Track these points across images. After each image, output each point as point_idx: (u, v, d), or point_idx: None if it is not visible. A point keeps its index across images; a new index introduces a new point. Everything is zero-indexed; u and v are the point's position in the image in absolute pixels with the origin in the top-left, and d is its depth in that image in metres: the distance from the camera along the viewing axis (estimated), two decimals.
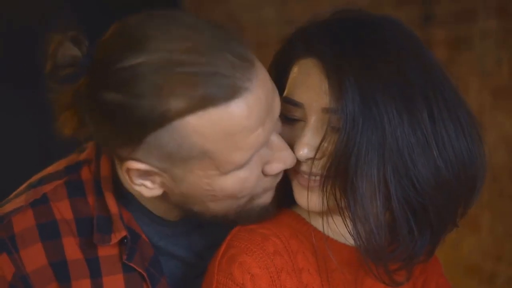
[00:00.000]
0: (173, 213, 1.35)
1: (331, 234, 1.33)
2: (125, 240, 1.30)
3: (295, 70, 1.29)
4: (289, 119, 1.28)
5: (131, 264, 1.30)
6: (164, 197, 1.27)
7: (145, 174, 1.22)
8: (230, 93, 1.16)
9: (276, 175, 1.28)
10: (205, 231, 1.41)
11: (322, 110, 1.24)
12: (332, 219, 1.29)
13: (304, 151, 1.25)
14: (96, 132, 1.23)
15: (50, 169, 1.37)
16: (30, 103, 3.05)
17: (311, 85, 1.25)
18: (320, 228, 1.32)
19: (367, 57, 1.22)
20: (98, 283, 1.29)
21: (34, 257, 1.26)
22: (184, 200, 1.26)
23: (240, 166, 1.21)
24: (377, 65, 1.22)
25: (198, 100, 1.14)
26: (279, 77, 1.32)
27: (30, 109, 3.04)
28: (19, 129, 3.01)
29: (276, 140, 1.26)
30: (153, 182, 1.23)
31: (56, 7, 3.07)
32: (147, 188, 1.24)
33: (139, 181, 1.23)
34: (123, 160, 1.22)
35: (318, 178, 1.26)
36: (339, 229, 1.32)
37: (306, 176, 1.27)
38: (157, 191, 1.25)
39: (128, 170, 1.22)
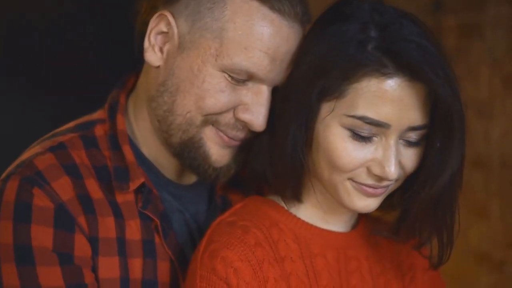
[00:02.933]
0: (168, 163, 1.41)
1: (310, 220, 1.35)
2: (142, 189, 1.35)
3: (377, 87, 1.23)
4: (358, 135, 1.25)
5: (146, 212, 1.35)
6: (152, 114, 1.37)
7: (162, 37, 1.34)
8: (277, 8, 1.29)
9: (235, 127, 1.34)
10: (210, 211, 1.46)
11: (408, 128, 1.25)
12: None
13: (397, 171, 1.26)
14: None
15: (60, 128, 1.42)
16: (32, 101, 3.06)
17: (405, 106, 1.24)
18: (299, 215, 1.35)
19: (449, 67, 1.24)
20: (121, 224, 1.33)
21: (65, 188, 1.30)
22: (164, 82, 1.34)
23: (231, 71, 1.30)
24: (450, 67, 1.26)
25: None
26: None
27: (32, 108, 3.05)
28: (20, 128, 3.02)
29: (266, 93, 1.33)
30: (160, 48, 1.35)
31: (56, 6, 3.08)
32: (152, 51, 1.35)
33: (153, 39, 1.35)
34: (161, 9, 1.34)
35: (383, 187, 1.29)
36: (324, 216, 1.36)
37: (372, 187, 1.29)
38: (156, 60, 1.35)
39: (160, 17, 1.33)
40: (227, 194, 1.48)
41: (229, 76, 1.31)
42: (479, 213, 3.44)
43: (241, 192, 1.45)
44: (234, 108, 1.33)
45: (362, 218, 1.41)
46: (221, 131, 1.35)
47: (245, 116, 1.33)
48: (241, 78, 1.31)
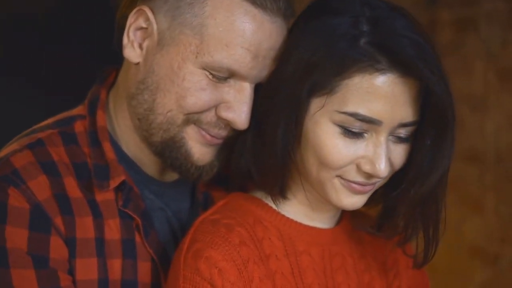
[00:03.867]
0: (149, 161, 1.39)
1: (295, 217, 1.34)
2: (123, 187, 1.33)
3: (370, 83, 1.22)
4: (349, 131, 1.24)
5: (127, 211, 1.32)
6: (132, 109, 1.35)
7: (141, 33, 1.32)
8: (259, 2, 1.27)
9: (217, 125, 1.32)
10: (194, 210, 1.44)
11: (399, 125, 1.24)
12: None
13: (388, 169, 1.25)
14: None
15: (39, 124, 1.39)
16: (31, 99, 3.05)
17: (397, 102, 1.22)
18: (283, 212, 1.34)
19: (439, 61, 1.24)
20: (99, 224, 1.31)
21: (41, 187, 1.27)
22: (144, 80, 1.31)
23: (211, 69, 1.27)
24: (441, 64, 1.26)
25: None
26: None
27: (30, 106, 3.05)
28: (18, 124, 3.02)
29: (249, 91, 1.30)
30: (140, 45, 1.32)
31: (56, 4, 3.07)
32: (131, 47, 1.32)
33: (132, 35, 1.32)
34: (140, 4, 1.32)
35: (371, 184, 1.28)
36: (309, 212, 1.34)
37: (361, 185, 1.28)
38: (135, 56, 1.32)
39: (139, 12, 1.31)
40: (209, 191, 1.45)
41: (210, 73, 1.28)
42: (473, 207, 3.44)
43: (224, 188, 1.43)
44: (216, 106, 1.31)
45: (345, 213, 1.40)
46: (203, 129, 1.32)
47: (227, 115, 1.30)
48: (222, 75, 1.28)
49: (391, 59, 1.21)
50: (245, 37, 1.27)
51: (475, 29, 3.41)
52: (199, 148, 1.33)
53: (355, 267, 1.36)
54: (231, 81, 1.30)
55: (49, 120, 1.39)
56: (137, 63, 1.33)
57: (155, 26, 1.30)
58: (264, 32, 1.28)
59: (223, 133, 1.33)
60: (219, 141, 1.34)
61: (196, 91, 1.28)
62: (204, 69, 1.28)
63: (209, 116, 1.31)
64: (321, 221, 1.35)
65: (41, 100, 2.98)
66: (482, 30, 3.39)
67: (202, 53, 1.27)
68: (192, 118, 1.31)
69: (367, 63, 1.21)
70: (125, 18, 1.33)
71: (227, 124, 1.32)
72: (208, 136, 1.33)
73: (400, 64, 1.21)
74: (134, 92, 1.33)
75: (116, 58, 1.41)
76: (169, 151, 1.33)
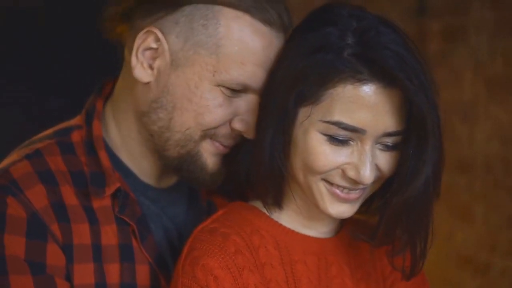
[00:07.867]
0: (150, 168, 1.43)
1: (292, 226, 1.36)
2: (118, 193, 1.37)
3: (352, 93, 1.25)
4: (335, 139, 1.27)
5: (123, 217, 1.36)
6: (138, 126, 1.39)
7: (150, 53, 1.35)
8: (267, 20, 1.33)
9: (231, 137, 1.37)
10: (191, 213, 1.48)
11: (383, 134, 1.26)
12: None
13: (373, 175, 1.27)
14: None
15: (39, 135, 1.44)
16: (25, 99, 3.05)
17: (380, 112, 1.25)
18: (281, 221, 1.36)
19: (425, 74, 1.26)
20: (96, 230, 1.35)
21: (38, 196, 1.31)
22: (157, 99, 1.35)
23: (228, 85, 1.33)
24: (427, 74, 1.27)
25: (246, 4, 1.32)
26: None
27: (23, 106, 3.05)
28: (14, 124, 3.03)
29: (257, 102, 1.35)
30: (150, 65, 1.35)
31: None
32: (141, 68, 1.35)
33: (141, 55, 1.35)
34: (142, 24, 1.35)
35: (358, 190, 1.30)
36: (305, 222, 1.36)
37: (346, 191, 1.29)
38: (146, 76, 1.35)
39: (147, 33, 1.34)
40: (212, 198, 1.49)
41: (226, 89, 1.33)
42: (463, 216, 3.45)
43: (226, 196, 1.47)
44: (230, 120, 1.36)
45: (347, 223, 1.41)
46: (218, 141, 1.38)
47: (241, 126, 1.36)
48: (237, 90, 1.34)
49: (373, 70, 1.24)
50: (257, 55, 1.33)
51: (463, 39, 3.43)
52: (212, 159, 1.39)
53: (352, 276, 1.37)
54: (242, 94, 1.35)
55: (49, 131, 1.43)
56: (147, 82, 1.36)
57: (166, 47, 1.34)
58: (272, 47, 1.34)
59: (234, 142, 1.39)
60: (228, 150, 1.40)
61: (214, 107, 1.34)
62: (219, 85, 1.33)
63: (224, 129, 1.37)
64: (317, 229, 1.37)
65: (37, 101, 2.99)
66: (471, 40, 3.41)
67: (219, 72, 1.32)
68: (209, 133, 1.36)
69: (349, 73, 1.24)
70: (118, 35, 1.38)
71: (238, 134, 1.37)
72: (221, 147, 1.38)
73: (381, 74, 1.24)
74: (146, 110, 1.37)
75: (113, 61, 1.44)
76: (186, 165, 1.38)
